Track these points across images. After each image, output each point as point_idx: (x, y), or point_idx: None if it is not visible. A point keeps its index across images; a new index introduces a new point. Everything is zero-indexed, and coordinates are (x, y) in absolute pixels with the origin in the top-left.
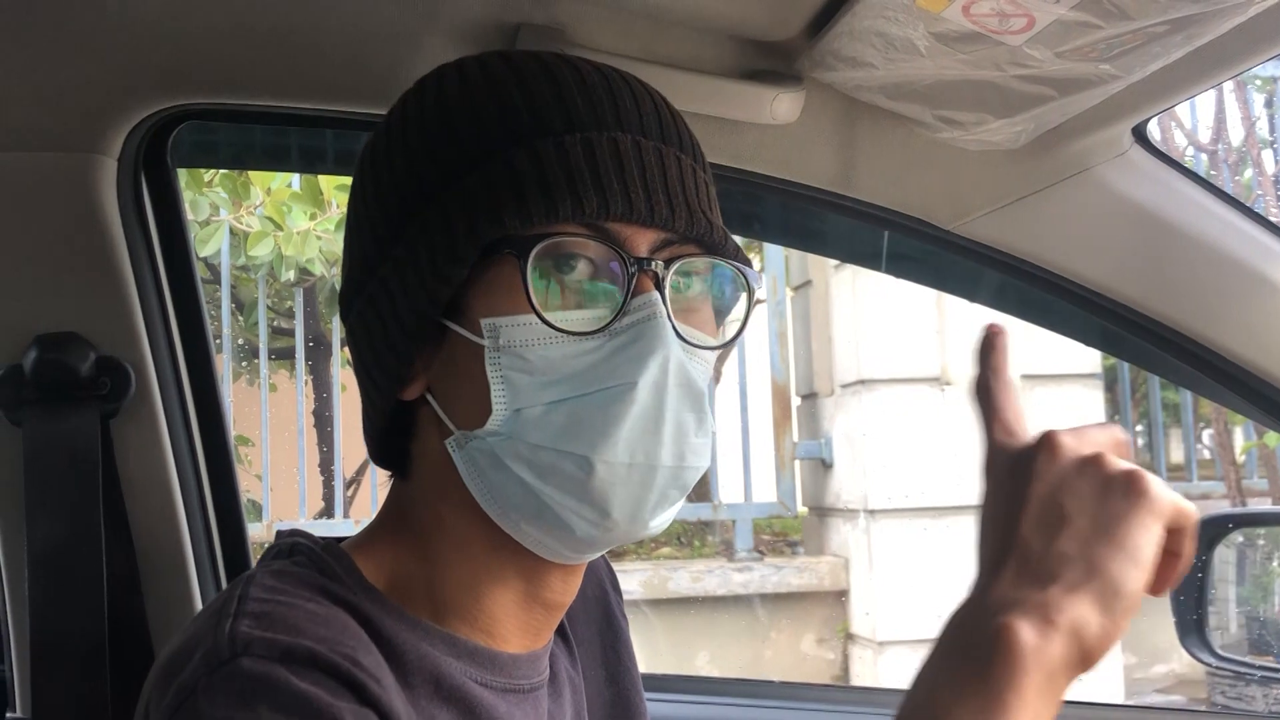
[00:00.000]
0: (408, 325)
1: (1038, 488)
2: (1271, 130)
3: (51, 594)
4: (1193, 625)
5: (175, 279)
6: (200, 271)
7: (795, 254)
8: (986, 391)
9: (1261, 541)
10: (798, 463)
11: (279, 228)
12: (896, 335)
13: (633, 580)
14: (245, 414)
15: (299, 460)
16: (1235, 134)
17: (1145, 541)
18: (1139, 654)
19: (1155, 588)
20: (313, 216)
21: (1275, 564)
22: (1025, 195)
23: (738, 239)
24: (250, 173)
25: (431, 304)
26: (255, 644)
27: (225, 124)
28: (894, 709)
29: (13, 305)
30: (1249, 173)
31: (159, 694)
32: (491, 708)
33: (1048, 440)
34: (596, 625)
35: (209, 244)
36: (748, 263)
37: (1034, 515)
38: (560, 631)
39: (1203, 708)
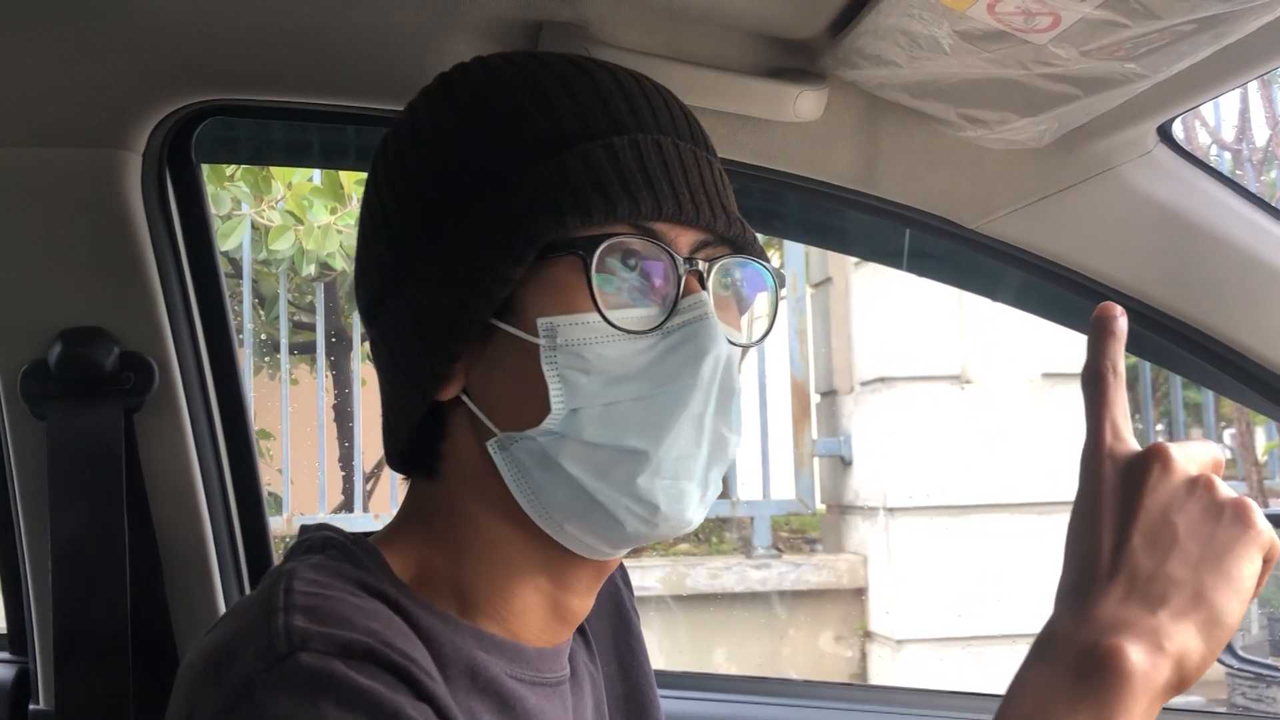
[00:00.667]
0: (456, 325)
1: (1150, 503)
2: None
3: (75, 587)
4: None
5: (199, 274)
6: (222, 266)
7: (815, 251)
8: (1101, 383)
9: None
10: (816, 460)
11: (300, 222)
12: (917, 333)
13: (651, 577)
14: (266, 408)
15: (319, 454)
16: (1260, 133)
17: (1249, 573)
18: None
19: None
20: (333, 211)
21: None
22: (1049, 194)
23: (758, 236)
24: (271, 167)
25: (484, 303)
26: (313, 639)
27: (248, 119)
28: (913, 708)
29: (38, 300)
30: (1274, 172)
31: (207, 689)
32: (524, 700)
33: (1162, 454)
34: (609, 620)
35: (230, 238)
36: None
37: (1145, 531)
38: (578, 627)
39: (1222, 709)
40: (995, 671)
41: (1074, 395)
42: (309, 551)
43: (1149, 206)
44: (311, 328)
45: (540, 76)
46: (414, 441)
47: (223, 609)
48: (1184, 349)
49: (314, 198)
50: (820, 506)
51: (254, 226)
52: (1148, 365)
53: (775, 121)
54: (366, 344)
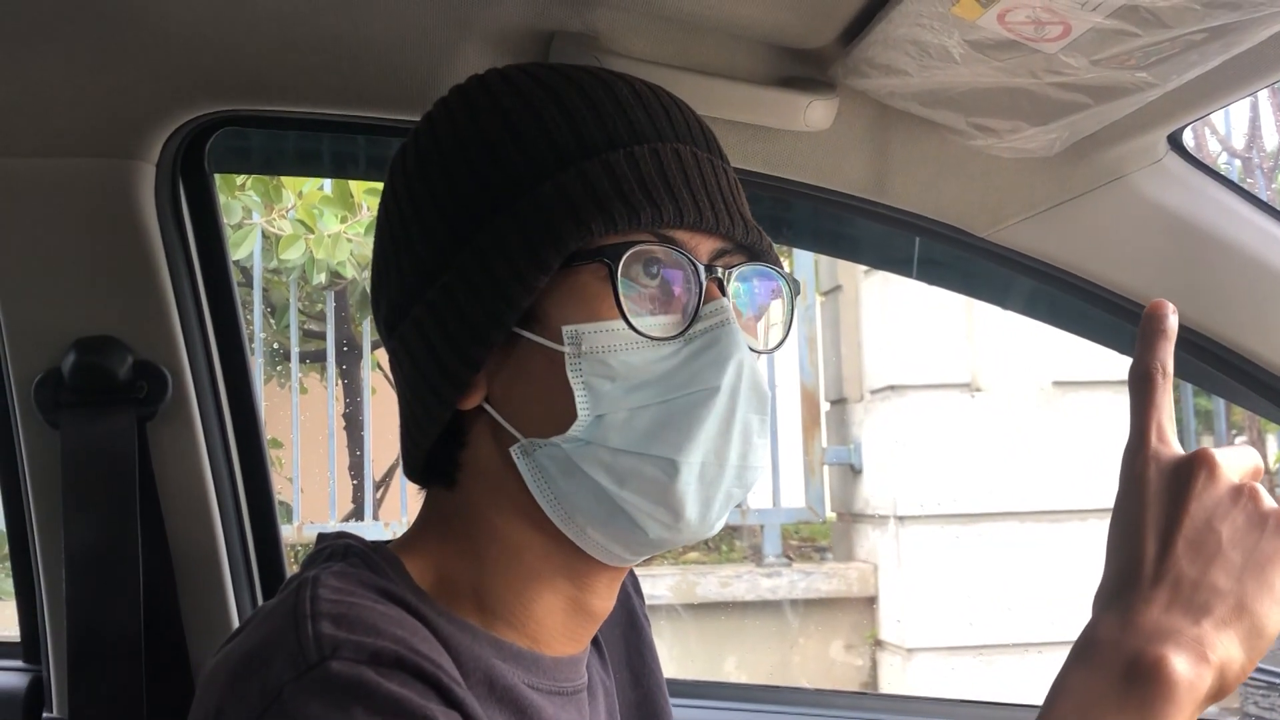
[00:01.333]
0: (481, 332)
1: (1194, 509)
2: None
3: (88, 595)
4: None
5: (212, 284)
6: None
7: (825, 259)
8: (1149, 383)
9: None
10: (826, 468)
11: (310, 231)
12: (927, 341)
13: (661, 585)
14: (277, 417)
15: (329, 462)
16: (1270, 140)
17: None
18: None
19: None
20: (344, 220)
21: None
22: (1059, 203)
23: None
24: (282, 177)
25: (510, 311)
26: (344, 646)
27: (260, 129)
28: (924, 717)
29: (52, 309)
30: None
31: (235, 696)
32: (541, 709)
33: (1207, 460)
34: (621, 628)
35: (241, 247)
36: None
37: (1189, 538)
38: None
39: (1235, 718)
40: (1006, 680)
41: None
42: (330, 559)
43: (1159, 214)
44: (322, 336)
45: (558, 86)
46: (434, 450)
47: (235, 617)
48: (1195, 356)
49: (325, 207)
50: (830, 515)
51: (265, 235)
52: None
53: (786, 130)
54: (377, 352)
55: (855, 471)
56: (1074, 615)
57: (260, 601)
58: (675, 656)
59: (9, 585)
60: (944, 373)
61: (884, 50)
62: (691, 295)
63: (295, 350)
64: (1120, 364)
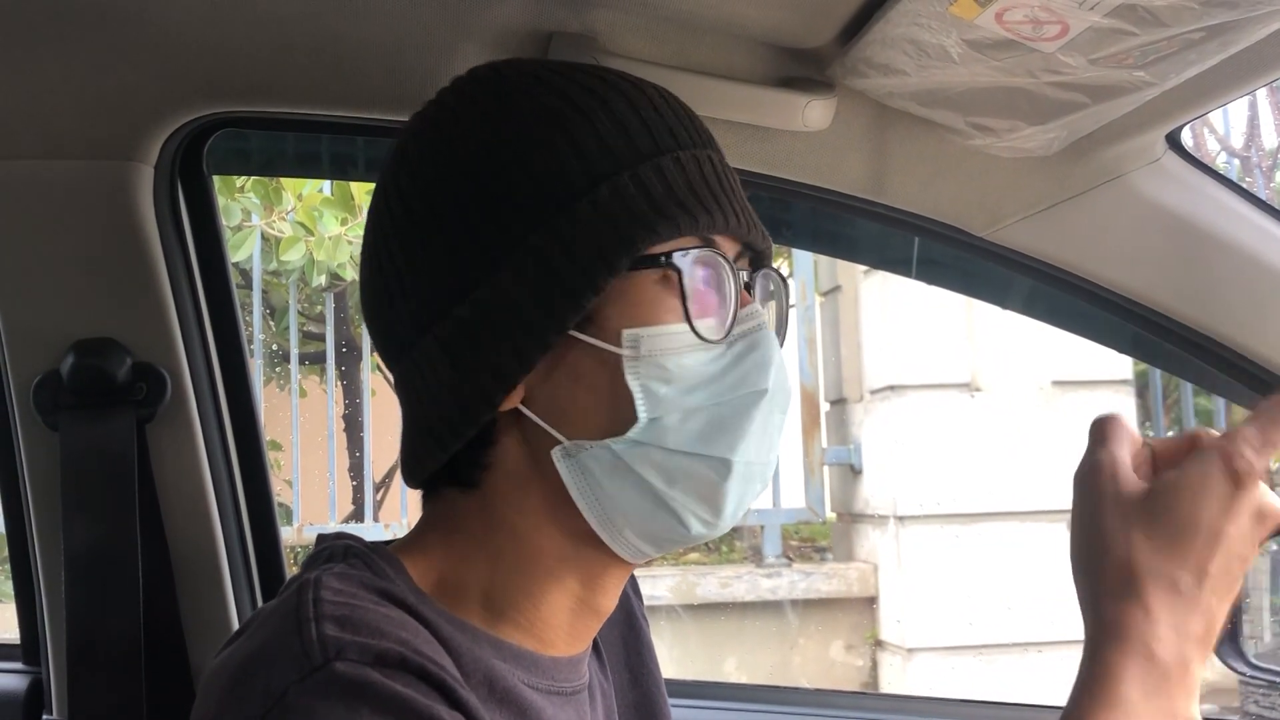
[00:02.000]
0: (537, 332)
1: (1231, 531)
2: None
3: (88, 597)
4: (1226, 633)
5: (210, 285)
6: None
7: (824, 259)
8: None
9: None
10: (826, 468)
11: (310, 233)
12: (926, 341)
13: (661, 586)
14: (276, 419)
15: (329, 464)
16: (1269, 139)
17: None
18: None
19: None
20: (344, 221)
21: None
22: (1058, 202)
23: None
24: (282, 179)
25: (571, 312)
26: (348, 648)
27: (259, 131)
28: (925, 717)
29: (51, 311)
30: None
31: (237, 699)
32: (541, 710)
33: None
34: (619, 629)
35: (241, 249)
36: None
37: (1220, 566)
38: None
39: (1235, 717)
40: (1006, 680)
41: (1084, 402)
42: (330, 560)
43: (1158, 213)
44: (321, 338)
45: (602, 90)
46: (459, 453)
47: (235, 619)
48: (1194, 355)
49: (324, 209)
50: (830, 515)
51: (264, 238)
52: (1158, 372)
53: (784, 130)
54: (376, 354)
55: (855, 472)
56: (1074, 615)
57: (260, 603)
58: (675, 657)
59: (8, 587)
60: (944, 373)
61: (882, 50)
62: (730, 299)
63: (295, 352)
64: (1120, 363)
